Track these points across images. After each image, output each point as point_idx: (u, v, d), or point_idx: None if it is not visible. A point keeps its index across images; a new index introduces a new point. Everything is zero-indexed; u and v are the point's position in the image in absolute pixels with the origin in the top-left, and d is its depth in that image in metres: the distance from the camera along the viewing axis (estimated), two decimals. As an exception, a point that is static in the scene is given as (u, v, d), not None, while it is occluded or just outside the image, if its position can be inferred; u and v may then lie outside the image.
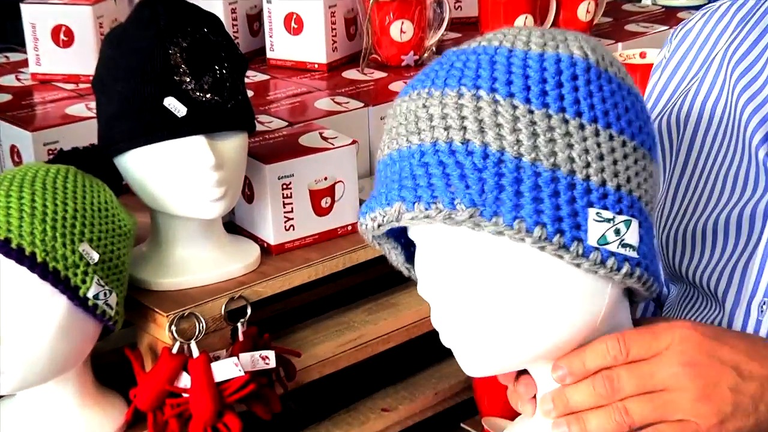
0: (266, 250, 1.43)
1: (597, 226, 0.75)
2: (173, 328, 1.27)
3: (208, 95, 1.27)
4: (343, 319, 1.50)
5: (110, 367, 1.36)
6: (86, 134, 1.44)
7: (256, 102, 1.65)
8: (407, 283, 1.05)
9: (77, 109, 1.59)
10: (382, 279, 1.52)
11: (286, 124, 1.57)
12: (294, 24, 1.85)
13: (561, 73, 0.77)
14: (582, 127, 0.76)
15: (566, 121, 0.76)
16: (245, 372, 1.26)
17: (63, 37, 1.72)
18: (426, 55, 1.88)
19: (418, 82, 0.81)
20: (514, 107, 0.75)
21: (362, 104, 1.65)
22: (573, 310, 0.78)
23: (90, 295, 1.18)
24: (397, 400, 1.54)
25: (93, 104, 1.43)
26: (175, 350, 1.27)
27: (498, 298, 0.77)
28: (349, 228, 1.47)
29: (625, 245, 0.76)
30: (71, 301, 1.17)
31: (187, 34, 1.27)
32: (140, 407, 1.26)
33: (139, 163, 1.29)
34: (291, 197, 1.42)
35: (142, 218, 1.37)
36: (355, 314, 1.50)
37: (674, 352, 0.79)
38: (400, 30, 1.84)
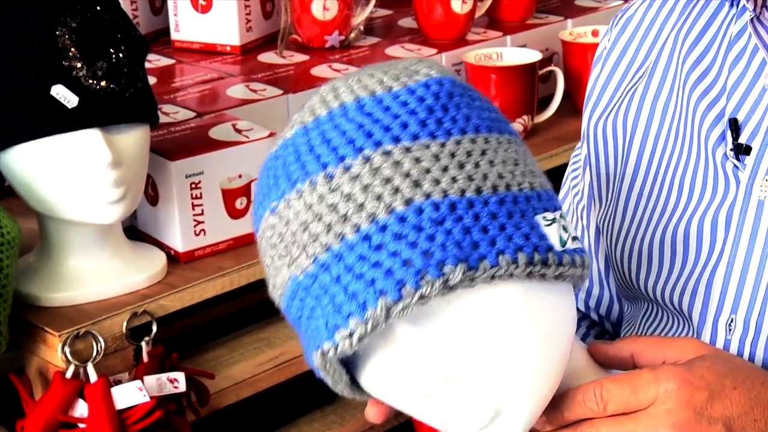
0: (173, 259, 1.42)
1: (552, 230, 0.79)
2: (66, 349, 1.25)
3: (103, 83, 1.26)
4: (262, 335, 1.49)
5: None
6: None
7: (160, 90, 1.63)
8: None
9: (-47, 100, 1.56)
10: (306, 288, 1.52)
11: (195, 114, 1.56)
12: (202, 1, 1.84)
13: (439, 97, 0.80)
14: (487, 140, 0.80)
15: (474, 141, 0.79)
16: (151, 397, 1.25)
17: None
18: (353, 35, 1.87)
19: (299, 173, 0.78)
20: (427, 147, 0.77)
21: (281, 91, 1.64)
22: (570, 320, 0.81)
23: (-32, 313, 1.17)
24: (325, 425, 1.54)
25: (-30, 94, 1.41)
26: (69, 374, 1.25)
27: (517, 343, 0.78)
28: (268, 231, 1.46)
29: (574, 238, 0.81)
30: (-54, 321, 1.16)
31: (77, 12, 1.25)
32: (29, 441, 1.24)
33: (24, 161, 1.27)
34: (201, 198, 1.41)
35: (28, 224, 1.35)
36: (275, 329, 1.49)
37: (660, 411, 0.79)
38: (323, 7, 1.83)
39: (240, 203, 1.44)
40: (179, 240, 1.42)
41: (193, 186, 1.41)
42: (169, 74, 1.77)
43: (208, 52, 1.85)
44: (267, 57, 1.83)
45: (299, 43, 1.87)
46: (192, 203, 1.41)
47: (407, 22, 2.00)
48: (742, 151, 0.93)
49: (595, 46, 1.83)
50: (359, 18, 1.88)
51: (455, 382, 0.77)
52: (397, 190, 0.75)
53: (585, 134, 1.09)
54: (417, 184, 0.75)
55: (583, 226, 1.12)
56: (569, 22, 1.97)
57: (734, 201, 0.93)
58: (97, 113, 1.25)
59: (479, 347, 0.76)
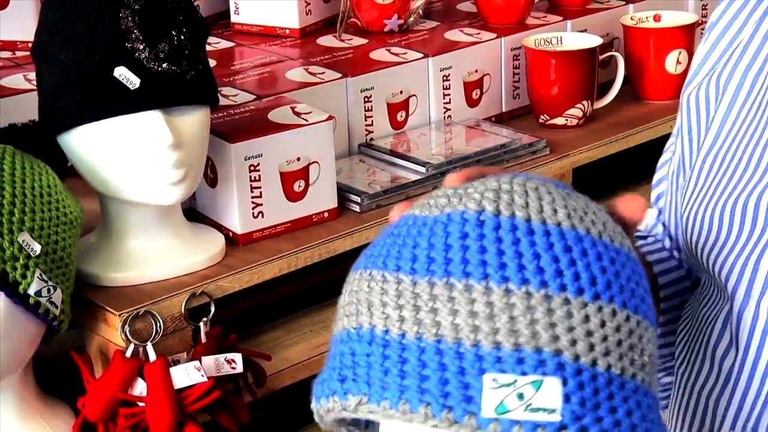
0: (232, 240, 1.43)
1: (493, 394, 0.74)
2: (127, 328, 1.27)
3: (165, 65, 1.27)
4: (318, 317, 1.50)
5: (55, 373, 1.36)
6: (25, 109, 1.43)
7: (219, 73, 1.65)
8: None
9: (14, 80, 1.58)
10: (362, 272, 1.53)
11: (254, 97, 1.57)
12: (262, -16, 1.85)
13: (468, 236, 0.77)
14: (469, 289, 0.75)
15: (451, 287, 0.76)
16: (209, 377, 1.27)
17: (-2, -1, 1.72)
18: (412, 19, 1.88)
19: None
20: (399, 281, 0.76)
21: (339, 75, 1.65)
22: None
23: (31, 291, 1.18)
24: (380, 408, 1.54)
25: (33, 75, 1.43)
26: (128, 353, 1.27)
27: None
28: (326, 215, 1.47)
29: (534, 409, 0.74)
30: (9, 299, 1.17)
31: (140, -6, 1.27)
32: (89, 418, 1.25)
33: (87, 142, 1.28)
34: (259, 180, 1.42)
35: (90, 204, 1.37)
36: (332, 312, 1.47)
37: None
38: (383, -10, 1.84)
39: (298, 186, 1.45)
40: (238, 222, 1.43)
41: (252, 168, 1.42)
42: (228, 57, 1.78)
43: (268, 35, 1.87)
44: (326, 40, 1.84)
45: (358, 26, 1.88)
46: (251, 185, 1.42)
47: (466, 6, 2.00)
48: None
49: (657, 31, 1.83)
50: (418, 2, 1.88)
51: None
52: (357, 313, 0.78)
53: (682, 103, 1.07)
54: (370, 312, 0.77)
55: (672, 190, 1.10)
56: (630, 6, 1.96)
57: None
58: (158, 95, 1.26)
59: None
